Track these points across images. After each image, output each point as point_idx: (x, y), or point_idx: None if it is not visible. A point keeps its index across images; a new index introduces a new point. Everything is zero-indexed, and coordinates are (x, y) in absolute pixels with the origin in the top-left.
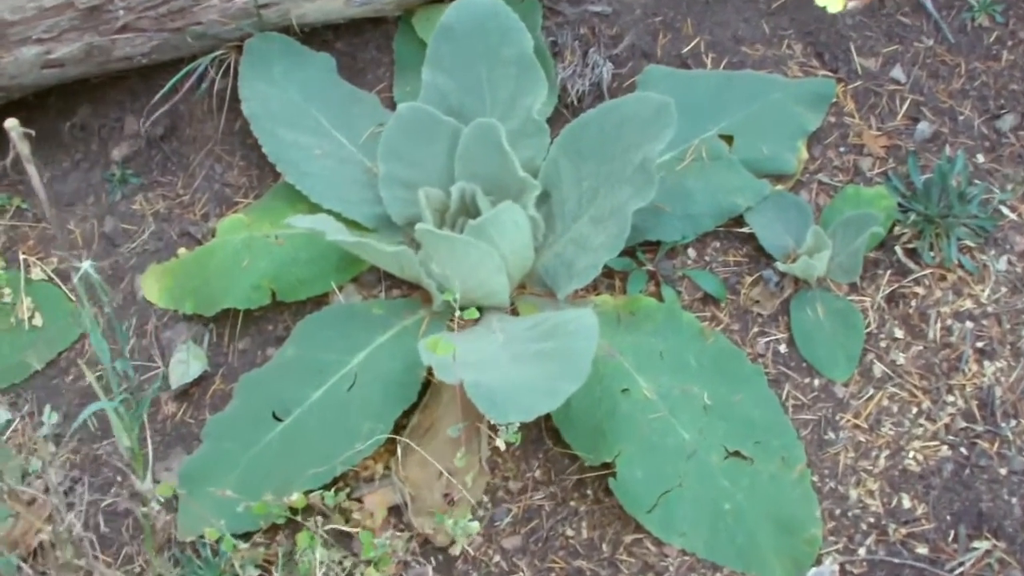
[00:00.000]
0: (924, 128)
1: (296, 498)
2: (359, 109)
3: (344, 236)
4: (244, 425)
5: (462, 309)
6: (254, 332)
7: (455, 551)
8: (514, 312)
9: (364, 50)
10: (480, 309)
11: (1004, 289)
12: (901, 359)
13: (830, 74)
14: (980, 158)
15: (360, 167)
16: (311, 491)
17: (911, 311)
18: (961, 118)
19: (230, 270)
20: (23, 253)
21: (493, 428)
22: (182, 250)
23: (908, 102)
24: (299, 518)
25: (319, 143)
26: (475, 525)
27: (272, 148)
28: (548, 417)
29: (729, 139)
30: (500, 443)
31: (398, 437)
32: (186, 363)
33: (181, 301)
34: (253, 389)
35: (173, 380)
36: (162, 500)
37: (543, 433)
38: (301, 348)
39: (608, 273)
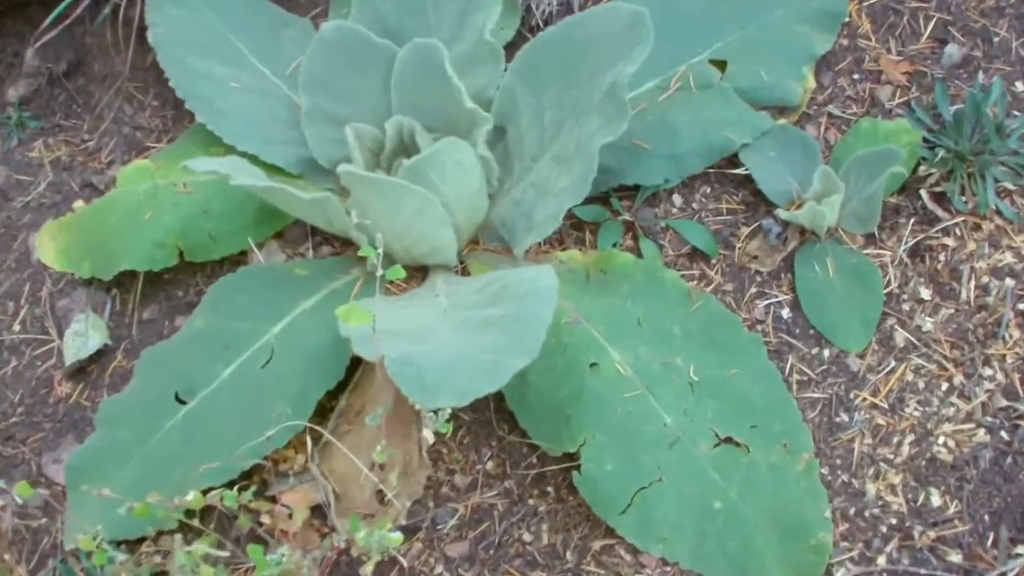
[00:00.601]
0: (953, 51)
1: (192, 498)
2: (287, 35)
3: (253, 180)
4: (143, 409)
5: (403, 267)
6: (161, 299)
7: (366, 571)
8: (464, 272)
9: None
10: (425, 268)
11: None
12: (928, 324)
13: None
14: (1019, 86)
15: (285, 102)
16: (212, 489)
17: (939, 267)
18: (996, 39)
19: (131, 225)
20: None
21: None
22: (79, 203)
23: (934, 21)
24: (196, 522)
25: (237, 75)
26: (395, 537)
27: (181, 81)
28: (501, 397)
29: (722, 64)
30: (427, 434)
31: (313, 426)
32: (84, 335)
33: (78, 263)
34: (155, 366)
35: (68, 355)
36: (20, 502)
37: (496, 417)
38: (211, 317)
39: (577, 224)
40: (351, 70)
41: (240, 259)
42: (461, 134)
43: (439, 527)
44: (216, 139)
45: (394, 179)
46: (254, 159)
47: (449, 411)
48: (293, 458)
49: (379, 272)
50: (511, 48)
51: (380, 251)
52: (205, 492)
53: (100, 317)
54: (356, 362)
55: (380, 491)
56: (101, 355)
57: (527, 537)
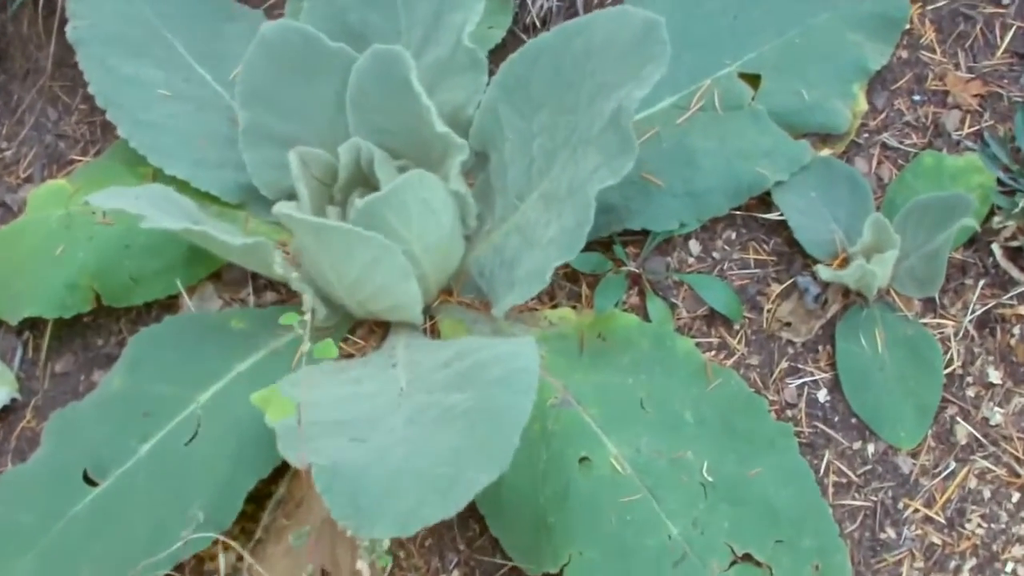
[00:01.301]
0: None
1: None
2: (234, 31)
3: (170, 222)
4: (47, 488)
5: (355, 327)
6: (78, 347)
7: None
8: (433, 330)
9: None
10: (386, 324)
11: None
12: (997, 417)
13: None
14: None
15: (226, 115)
16: None
17: (1014, 342)
18: None
19: (40, 261)
20: None
21: None
22: None
23: (1013, 31)
24: None
25: (170, 79)
26: None
27: (103, 86)
28: None
29: (754, 80)
30: (363, 567)
31: (227, 540)
32: None
33: None
34: (65, 434)
35: None
36: None
37: (465, 513)
38: (130, 378)
39: (572, 274)
40: (299, 80)
41: (171, 303)
42: (432, 163)
43: None
44: (143, 157)
45: (341, 225)
46: (184, 185)
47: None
48: (218, 557)
49: (305, 345)
50: (502, 52)
51: (308, 317)
52: None
53: (8, 366)
54: None
55: None
56: (8, 411)
57: None
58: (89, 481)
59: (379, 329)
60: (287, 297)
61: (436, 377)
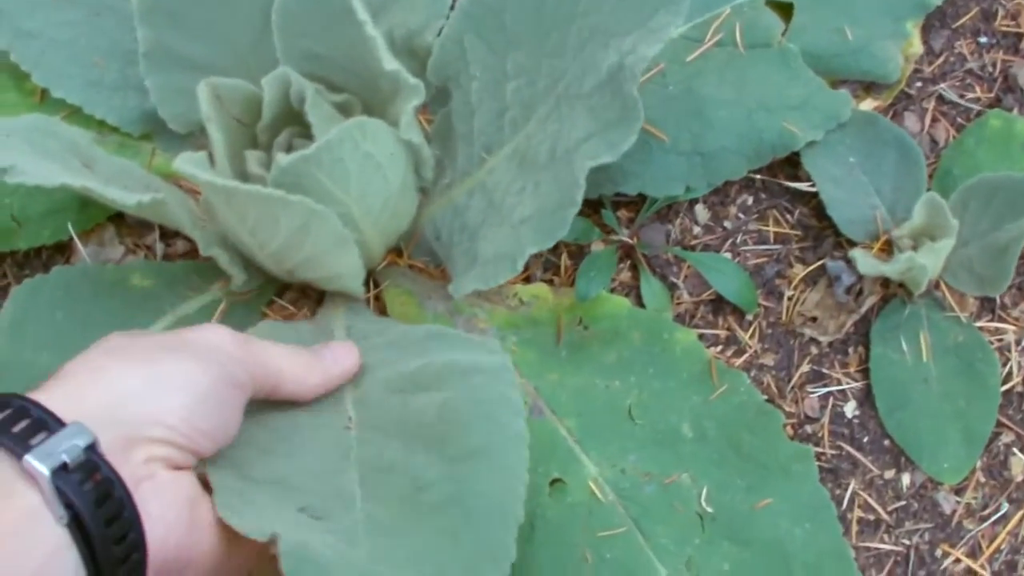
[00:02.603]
0: None
1: None
2: None
3: (43, 176)
4: None
5: (283, 290)
6: None
7: None
8: (378, 300)
9: None
10: (321, 293)
11: None
12: None
13: None
14: None
15: (129, 23)
16: None
17: None
18: None
19: None
20: None
21: None
22: None
23: None
24: None
25: None
26: None
27: None
28: None
29: (786, 9)
30: None
31: None
32: None
33: None
34: None
35: None
36: None
37: None
38: (12, 342)
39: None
40: None
41: (64, 246)
42: (379, 101)
43: None
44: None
45: (258, 190)
46: (76, 112)
47: None
48: None
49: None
50: None
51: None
52: None
53: None
54: None
55: None
56: None
57: None
58: None
59: (313, 293)
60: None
61: (391, 412)
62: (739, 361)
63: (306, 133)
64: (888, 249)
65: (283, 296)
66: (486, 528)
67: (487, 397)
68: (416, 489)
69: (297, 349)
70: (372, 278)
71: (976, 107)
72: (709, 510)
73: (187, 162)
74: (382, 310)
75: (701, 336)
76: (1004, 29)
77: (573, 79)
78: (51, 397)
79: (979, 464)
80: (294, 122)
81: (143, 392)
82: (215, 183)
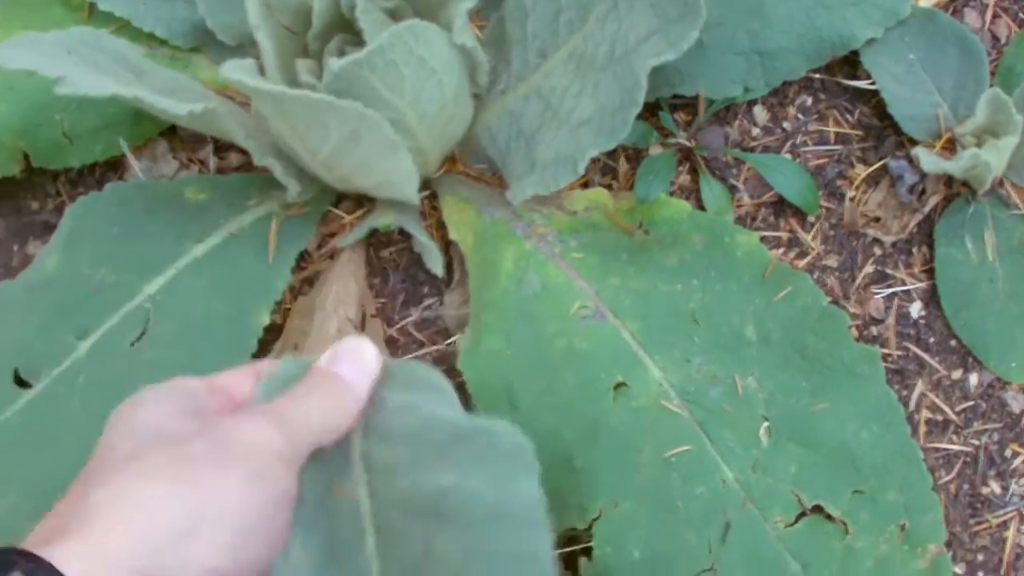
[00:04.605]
0: None
1: None
2: None
3: (93, 87)
4: None
5: (339, 200)
6: (9, 211)
7: None
8: (432, 209)
9: None
10: (372, 201)
11: None
12: None
13: None
14: None
15: None
16: None
17: None
18: None
19: None
20: None
21: None
22: None
23: None
24: None
25: None
26: None
27: None
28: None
29: None
30: None
31: None
32: None
33: None
34: None
35: None
36: None
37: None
38: (67, 257)
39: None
40: None
41: (117, 162)
42: (430, 8)
43: None
44: None
45: (307, 95)
46: (125, 26)
47: None
48: None
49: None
50: None
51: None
52: None
53: None
54: (266, 339)
55: None
56: None
57: None
58: (20, 383)
59: (368, 203)
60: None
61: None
62: (802, 263)
63: (357, 40)
64: (951, 147)
65: (339, 206)
66: None
67: (511, 551)
68: None
69: (324, 389)
70: (428, 186)
71: None
72: (775, 413)
73: (235, 69)
74: (438, 218)
75: (763, 239)
76: None
77: None
78: (69, 550)
79: None
80: (345, 29)
81: (181, 531)
82: (262, 88)
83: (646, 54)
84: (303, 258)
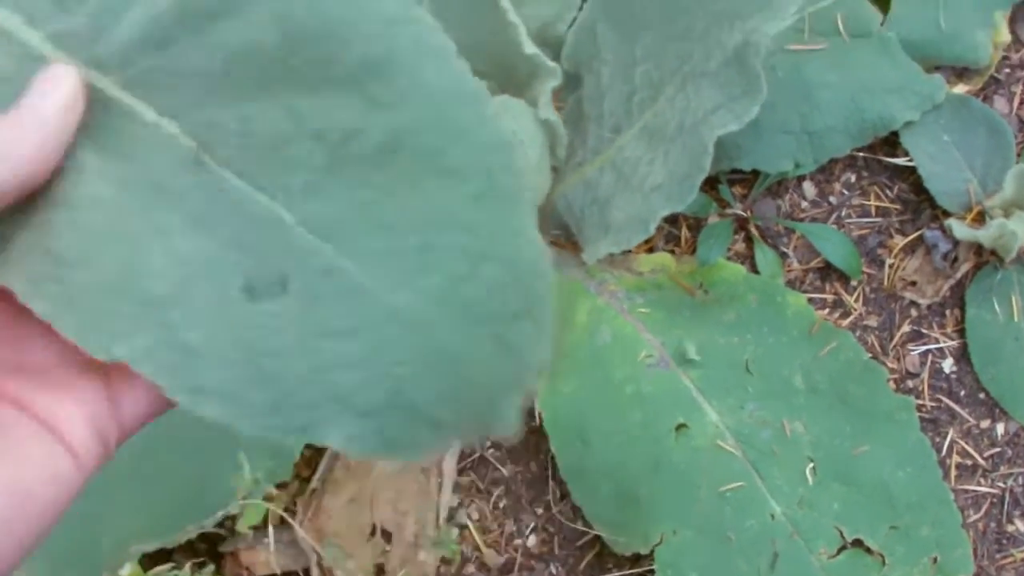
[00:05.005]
0: None
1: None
2: None
3: None
4: None
5: None
6: None
7: None
8: None
9: None
10: None
11: None
12: None
13: None
14: None
15: None
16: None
17: None
18: None
19: None
20: None
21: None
22: None
23: None
24: None
25: None
26: None
27: None
28: (549, 448)
29: (883, 1)
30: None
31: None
32: None
33: None
34: None
35: None
36: None
37: (549, 474)
38: None
39: (671, 216)
40: None
41: None
42: (518, 85)
43: None
44: None
45: None
46: None
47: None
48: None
49: None
50: None
51: None
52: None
53: None
54: None
55: (379, 565)
56: None
57: None
58: None
59: None
60: None
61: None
62: (845, 322)
63: None
64: (981, 219)
65: None
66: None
67: None
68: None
69: None
70: None
71: None
72: (819, 455)
73: None
74: None
75: (810, 300)
76: None
77: (699, 59)
78: None
79: None
80: None
81: None
82: None
83: (713, 125)
84: None
